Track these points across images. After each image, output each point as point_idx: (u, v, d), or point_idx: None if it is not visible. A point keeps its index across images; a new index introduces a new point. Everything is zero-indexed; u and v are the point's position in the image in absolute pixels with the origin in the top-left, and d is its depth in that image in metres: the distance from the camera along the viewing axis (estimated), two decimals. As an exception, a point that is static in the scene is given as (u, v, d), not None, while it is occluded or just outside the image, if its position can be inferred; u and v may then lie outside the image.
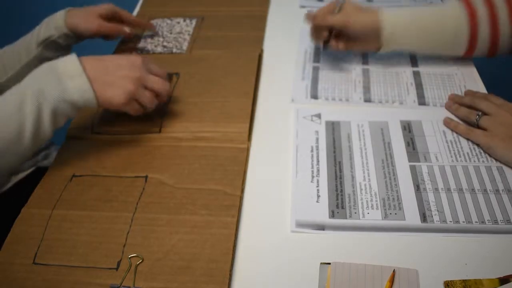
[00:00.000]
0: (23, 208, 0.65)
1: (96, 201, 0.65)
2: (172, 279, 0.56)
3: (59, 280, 0.56)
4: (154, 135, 0.75)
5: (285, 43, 0.96)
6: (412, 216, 0.62)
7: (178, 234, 0.60)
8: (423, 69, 0.88)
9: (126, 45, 0.97)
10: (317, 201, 0.65)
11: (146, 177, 0.69)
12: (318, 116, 0.78)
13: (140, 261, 0.58)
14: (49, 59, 0.68)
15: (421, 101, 0.81)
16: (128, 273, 0.57)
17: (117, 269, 0.57)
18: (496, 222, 0.61)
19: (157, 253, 0.58)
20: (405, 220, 0.62)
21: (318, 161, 0.70)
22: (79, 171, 0.70)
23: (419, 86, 0.84)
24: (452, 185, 0.66)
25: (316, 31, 0.86)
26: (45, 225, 0.62)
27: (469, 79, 0.85)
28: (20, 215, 0.64)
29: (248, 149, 0.73)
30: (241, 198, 0.65)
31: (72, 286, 0.56)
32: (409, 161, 0.70)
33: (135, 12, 1.08)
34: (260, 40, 0.96)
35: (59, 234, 0.61)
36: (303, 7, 1.07)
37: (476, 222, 0.61)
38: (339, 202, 0.64)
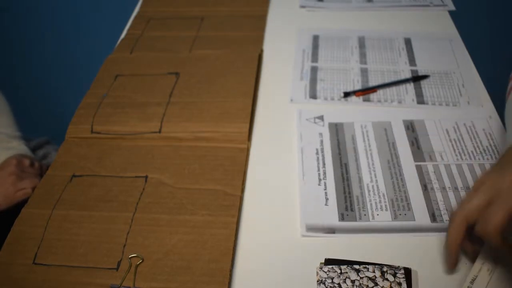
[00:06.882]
0: (23, 208, 0.65)
1: (96, 201, 0.65)
2: (172, 279, 0.56)
3: (59, 280, 0.56)
4: (154, 135, 0.75)
5: (285, 43, 0.96)
6: (421, 216, 0.62)
7: (178, 234, 0.61)
8: (421, 67, 0.88)
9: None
10: (325, 204, 0.65)
11: (146, 177, 0.69)
12: (321, 118, 0.78)
13: (140, 261, 0.58)
14: None
15: (420, 99, 0.81)
16: (128, 273, 0.57)
17: (117, 269, 0.57)
18: None
19: (157, 253, 0.58)
20: (414, 220, 0.62)
21: (324, 164, 0.70)
22: (79, 171, 0.70)
23: (417, 85, 0.84)
24: (459, 184, 0.66)
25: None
26: (45, 225, 0.62)
27: (468, 78, 0.85)
28: (20, 215, 0.64)
29: (248, 149, 0.73)
30: (241, 198, 0.65)
31: (72, 286, 0.56)
32: (415, 160, 0.70)
33: (135, 12, 1.08)
34: (260, 40, 0.96)
35: (59, 234, 0.61)
36: (303, 7, 1.07)
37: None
38: (348, 204, 0.64)
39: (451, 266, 0.55)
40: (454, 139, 0.73)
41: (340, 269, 0.56)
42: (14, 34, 1.66)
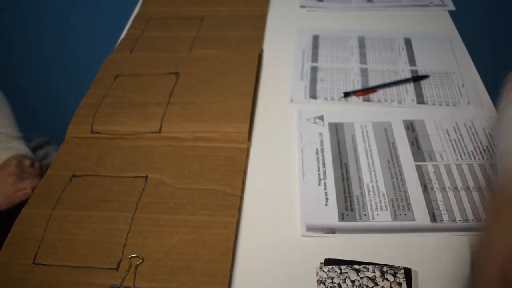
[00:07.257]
0: (23, 208, 0.65)
1: (96, 201, 0.65)
2: (172, 279, 0.56)
3: (59, 280, 0.56)
4: (154, 135, 0.75)
5: (285, 43, 0.96)
6: (421, 216, 0.62)
7: (178, 234, 0.61)
8: (421, 67, 0.88)
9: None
10: (325, 204, 0.65)
11: (146, 177, 0.69)
12: (321, 118, 0.78)
13: (140, 261, 0.58)
14: None
15: (420, 99, 0.81)
16: (128, 273, 0.57)
17: (117, 269, 0.57)
18: None
19: (157, 253, 0.58)
20: (414, 220, 0.62)
21: (324, 164, 0.70)
22: (79, 171, 0.70)
23: (417, 85, 0.84)
24: (459, 184, 0.66)
25: None
26: (45, 225, 0.62)
27: (468, 78, 0.85)
28: (20, 215, 0.64)
29: (248, 149, 0.73)
30: (241, 198, 0.65)
31: (72, 286, 0.56)
32: (415, 160, 0.70)
33: (135, 12, 1.08)
34: (260, 40, 0.96)
35: (59, 234, 0.61)
36: (303, 7, 1.07)
37: (485, 220, 0.60)
38: (348, 204, 0.64)
39: None
40: (454, 139, 0.73)
41: (340, 269, 0.56)
42: (14, 34, 1.66)
